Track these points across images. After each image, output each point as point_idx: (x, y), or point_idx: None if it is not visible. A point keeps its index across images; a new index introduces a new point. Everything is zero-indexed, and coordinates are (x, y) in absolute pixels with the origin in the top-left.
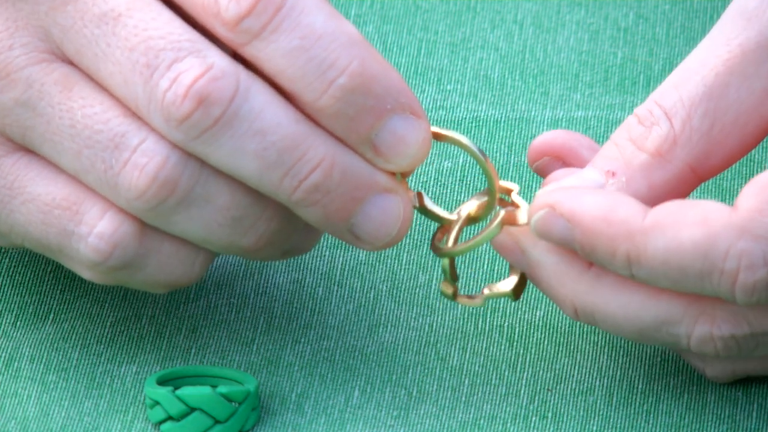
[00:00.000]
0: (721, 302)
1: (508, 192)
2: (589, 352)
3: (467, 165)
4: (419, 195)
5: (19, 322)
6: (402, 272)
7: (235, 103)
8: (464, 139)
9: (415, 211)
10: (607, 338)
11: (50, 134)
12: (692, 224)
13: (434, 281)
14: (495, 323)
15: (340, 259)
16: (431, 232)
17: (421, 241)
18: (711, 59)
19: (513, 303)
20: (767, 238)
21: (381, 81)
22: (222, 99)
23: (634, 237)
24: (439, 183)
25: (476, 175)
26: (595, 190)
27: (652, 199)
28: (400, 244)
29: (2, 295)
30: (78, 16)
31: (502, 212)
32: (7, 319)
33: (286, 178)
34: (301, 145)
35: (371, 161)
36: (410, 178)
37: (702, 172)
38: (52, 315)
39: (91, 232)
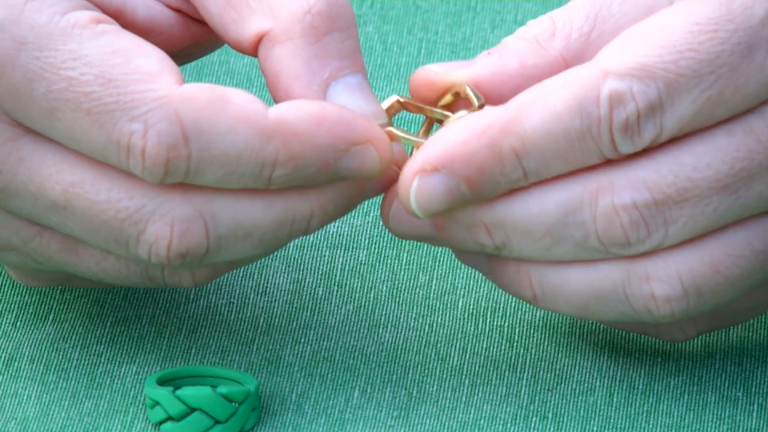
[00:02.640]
0: (618, 169)
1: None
2: (589, 352)
3: None
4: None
5: (19, 322)
6: (402, 272)
7: (212, 237)
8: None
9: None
10: (608, 338)
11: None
12: (558, 89)
13: (434, 281)
14: (495, 324)
15: (340, 259)
16: None
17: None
18: None
19: (514, 303)
20: (630, 74)
21: (310, 150)
22: (200, 244)
23: (509, 128)
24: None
25: None
26: (479, 68)
27: (524, 78)
28: (400, 244)
29: (2, 295)
30: (30, 205)
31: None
32: (7, 319)
33: (290, 238)
34: (287, 219)
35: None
36: None
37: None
38: (52, 315)
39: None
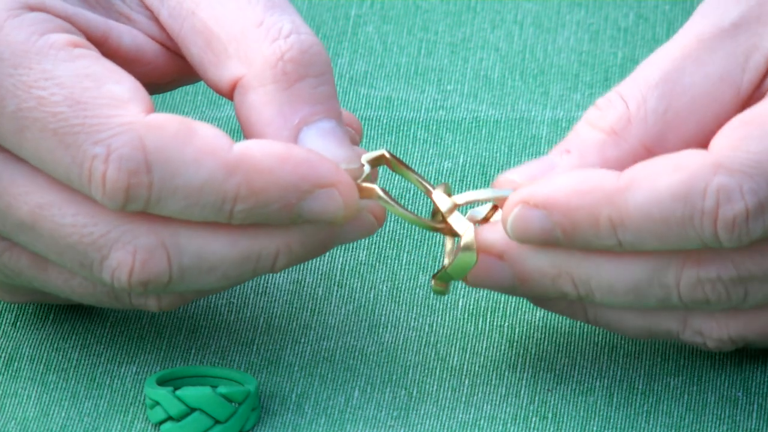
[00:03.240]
0: (708, 249)
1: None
2: (589, 352)
3: (467, 165)
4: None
5: (19, 322)
6: (402, 272)
7: (174, 268)
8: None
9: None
10: (607, 339)
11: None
12: (667, 172)
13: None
14: (495, 324)
15: (340, 259)
16: (431, 233)
17: (421, 242)
18: (669, 50)
19: (514, 303)
20: (741, 171)
21: (272, 188)
22: (162, 273)
23: (613, 198)
24: (438, 183)
25: (476, 175)
26: (562, 172)
27: None
28: (400, 244)
29: None
30: (0, 222)
31: (470, 234)
32: (7, 319)
33: (255, 274)
34: (252, 256)
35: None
36: None
37: (658, 153)
38: (52, 315)
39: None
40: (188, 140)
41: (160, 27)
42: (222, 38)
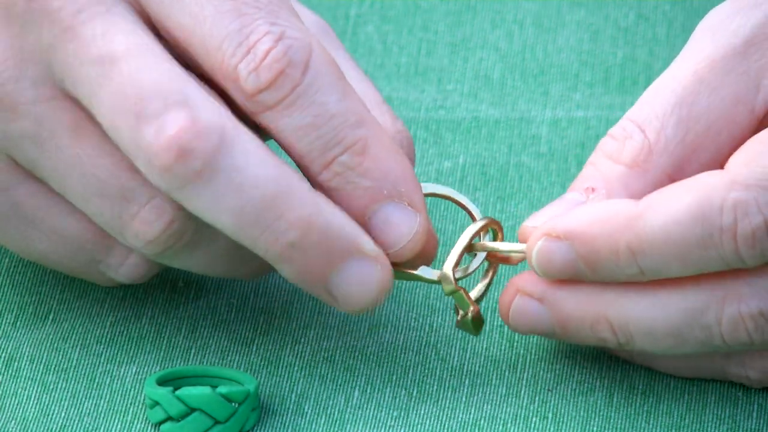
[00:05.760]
0: (745, 279)
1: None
2: (589, 352)
3: (467, 165)
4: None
5: (19, 322)
6: None
7: (215, 158)
8: (459, 196)
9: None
10: None
11: (58, 174)
12: (684, 193)
13: (435, 284)
14: (495, 323)
15: None
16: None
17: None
18: (680, 73)
19: None
20: (757, 185)
21: (382, 164)
22: (203, 153)
23: (631, 224)
24: (438, 183)
25: (476, 175)
26: (582, 205)
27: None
28: None
29: (2, 295)
30: (77, 53)
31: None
32: (7, 319)
33: (263, 235)
34: (280, 205)
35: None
36: None
37: (680, 180)
38: (52, 315)
39: (123, 263)
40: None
41: None
42: None
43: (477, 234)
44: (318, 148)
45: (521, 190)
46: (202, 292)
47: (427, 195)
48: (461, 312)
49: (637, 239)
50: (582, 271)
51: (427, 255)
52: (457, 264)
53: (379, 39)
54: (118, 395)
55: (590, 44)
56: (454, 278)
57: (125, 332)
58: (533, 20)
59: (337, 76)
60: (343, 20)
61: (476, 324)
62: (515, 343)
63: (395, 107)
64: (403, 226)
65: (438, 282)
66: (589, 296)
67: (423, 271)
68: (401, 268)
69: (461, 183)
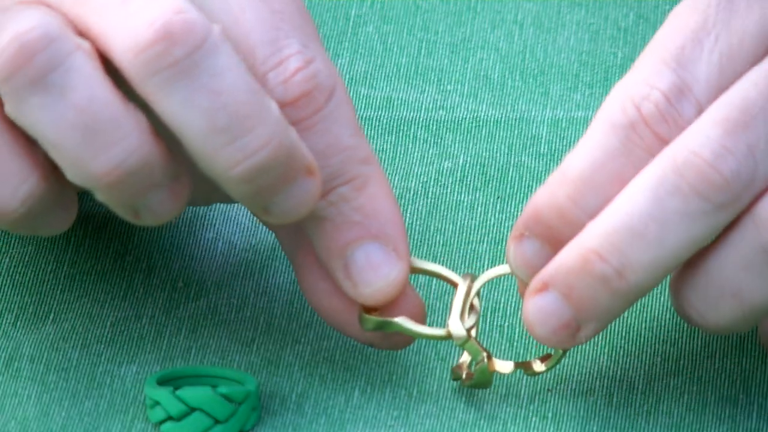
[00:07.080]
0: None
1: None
2: (589, 352)
3: (467, 165)
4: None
5: (19, 322)
6: None
7: (199, 52)
8: (444, 271)
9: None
10: (607, 339)
11: None
12: (588, 132)
13: (434, 281)
14: (495, 323)
15: None
16: (431, 232)
17: (420, 242)
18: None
19: (514, 303)
20: (639, 75)
21: (376, 204)
22: (188, 42)
23: (559, 181)
24: (438, 183)
25: (476, 175)
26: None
27: None
28: None
29: (2, 295)
30: None
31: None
32: (7, 319)
33: (229, 148)
34: (253, 118)
35: (339, 280)
36: (411, 179)
37: None
38: (52, 315)
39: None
40: None
41: None
42: None
43: (477, 293)
44: (322, 177)
45: (521, 190)
46: (202, 292)
47: (414, 270)
48: (473, 363)
49: (573, 188)
50: (575, 320)
51: (412, 312)
52: (463, 313)
53: (379, 39)
54: (118, 395)
55: (590, 45)
56: (466, 329)
57: (125, 332)
58: (533, 21)
59: (353, 114)
60: (343, 21)
61: (490, 373)
62: (515, 343)
63: (395, 107)
64: (384, 267)
65: (446, 337)
66: (574, 244)
67: (427, 329)
68: (377, 314)
69: (461, 183)
